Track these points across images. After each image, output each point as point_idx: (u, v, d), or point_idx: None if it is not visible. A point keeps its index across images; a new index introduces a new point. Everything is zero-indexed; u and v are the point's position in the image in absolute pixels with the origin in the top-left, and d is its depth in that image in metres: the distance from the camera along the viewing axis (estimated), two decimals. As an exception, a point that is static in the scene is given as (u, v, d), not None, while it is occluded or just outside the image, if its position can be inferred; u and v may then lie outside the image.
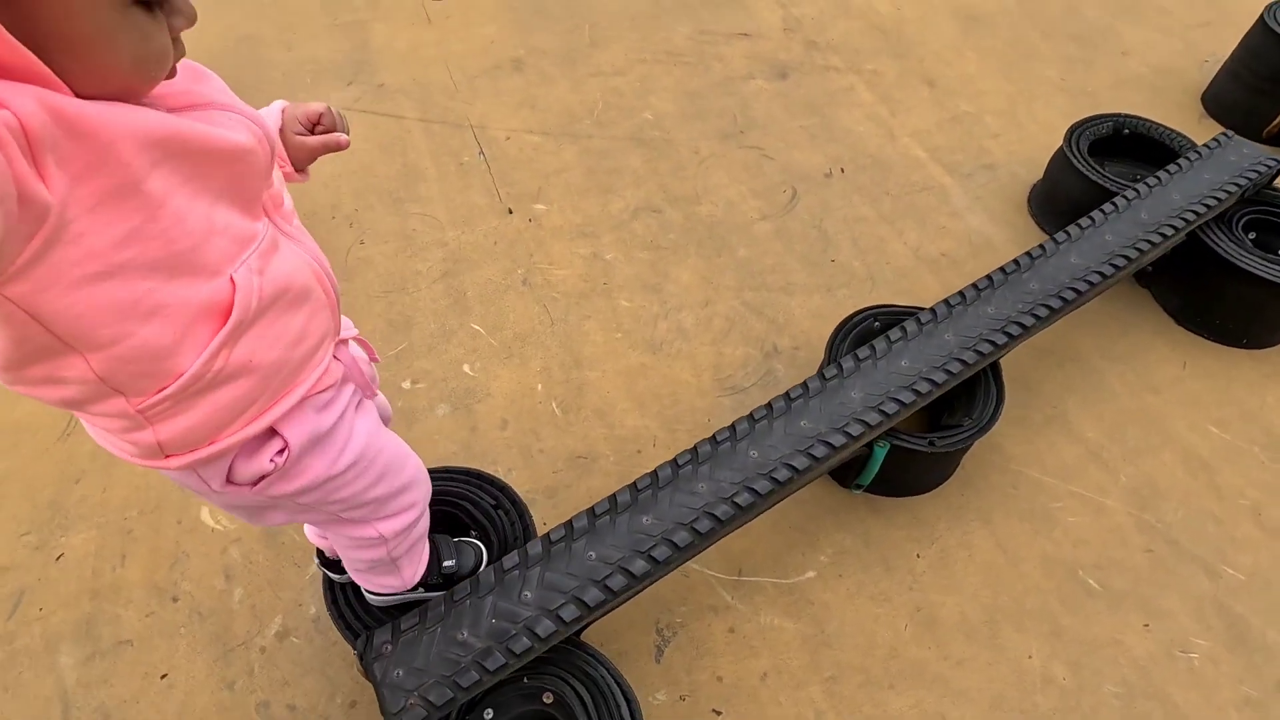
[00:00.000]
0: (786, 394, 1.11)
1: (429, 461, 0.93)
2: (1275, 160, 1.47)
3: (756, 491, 1.01)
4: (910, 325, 1.20)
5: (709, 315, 1.57)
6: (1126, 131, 1.68)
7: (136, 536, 1.26)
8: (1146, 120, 1.68)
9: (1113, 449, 1.36)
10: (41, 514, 1.29)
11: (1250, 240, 1.50)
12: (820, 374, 1.14)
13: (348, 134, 0.72)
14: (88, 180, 0.43)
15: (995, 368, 1.25)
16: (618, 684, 0.93)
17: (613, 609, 0.99)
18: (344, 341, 0.72)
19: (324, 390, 0.68)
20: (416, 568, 0.91)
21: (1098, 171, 1.56)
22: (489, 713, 0.92)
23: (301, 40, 2.27)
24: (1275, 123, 1.86)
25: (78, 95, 0.43)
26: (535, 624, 0.89)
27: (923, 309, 1.26)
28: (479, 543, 1.03)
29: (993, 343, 1.18)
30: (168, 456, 0.58)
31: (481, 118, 2.02)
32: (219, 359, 0.55)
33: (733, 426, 1.07)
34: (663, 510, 0.98)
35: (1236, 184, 1.42)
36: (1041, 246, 1.32)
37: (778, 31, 2.30)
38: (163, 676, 1.12)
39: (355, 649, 0.93)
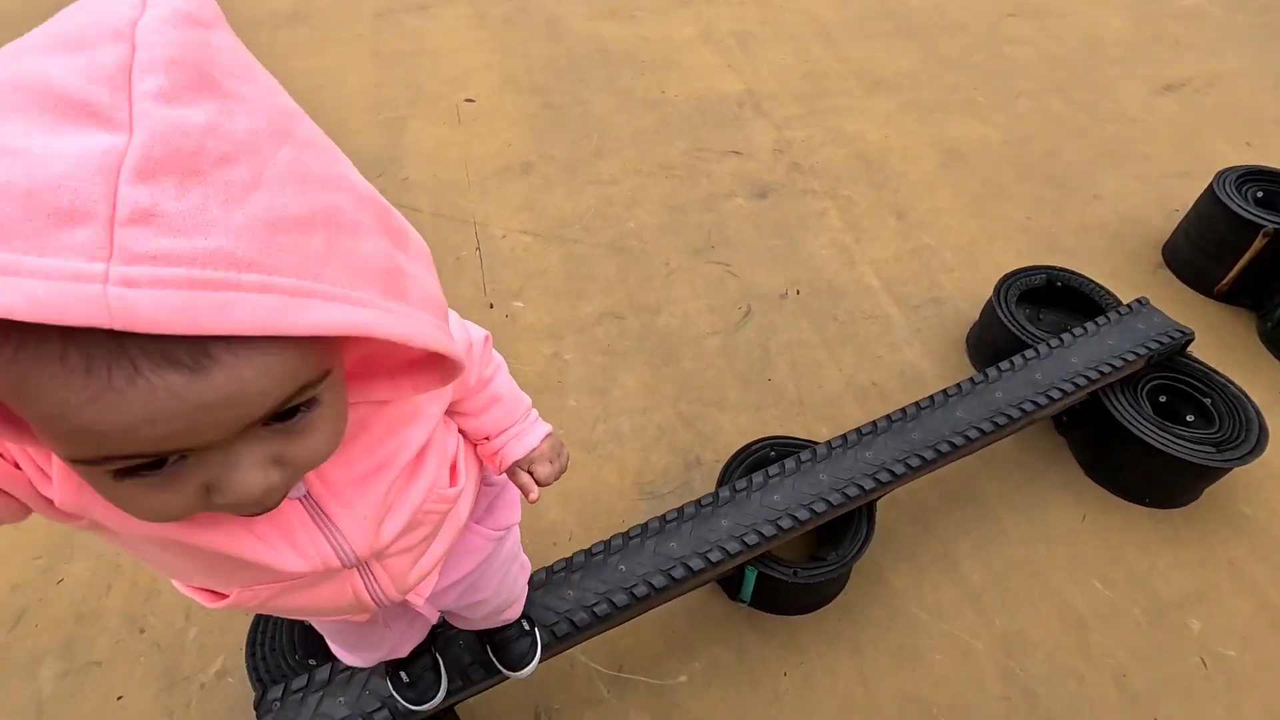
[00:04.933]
0: (662, 516, 1.26)
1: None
2: (1182, 332, 1.55)
3: (614, 604, 1.15)
4: (790, 462, 1.34)
5: (644, 423, 1.73)
6: (1059, 284, 1.79)
7: (123, 571, 1.49)
8: (1076, 274, 1.78)
9: (993, 594, 1.44)
10: (55, 542, 1.54)
11: (1158, 405, 1.58)
12: (697, 501, 1.28)
13: (536, 497, 0.72)
14: (121, 537, 0.46)
15: (870, 508, 1.37)
16: (467, 762, 1.08)
17: (477, 693, 1.14)
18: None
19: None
20: None
21: (1015, 323, 1.67)
22: (355, 773, 1.08)
23: (345, 134, 2.60)
24: (1225, 281, 1.93)
25: None
26: (394, 704, 1.05)
27: (816, 444, 1.40)
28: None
29: (861, 487, 1.30)
30: None
31: (485, 216, 2.27)
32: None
33: (607, 542, 1.23)
34: (537, 610, 1.14)
35: (1136, 352, 1.51)
36: (931, 398, 1.44)
37: (768, 152, 2.50)
38: (119, 698, 1.32)
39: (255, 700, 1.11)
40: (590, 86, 2.82)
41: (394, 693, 1.05)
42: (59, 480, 0.41)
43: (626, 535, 1.24)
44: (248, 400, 0.34)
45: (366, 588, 0.59)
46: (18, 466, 0.42)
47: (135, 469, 0.35)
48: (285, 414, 0.37)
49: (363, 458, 0.51)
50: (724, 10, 3.31)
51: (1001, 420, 1.40)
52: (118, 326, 0.28)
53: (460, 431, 0.69)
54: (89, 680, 1.34)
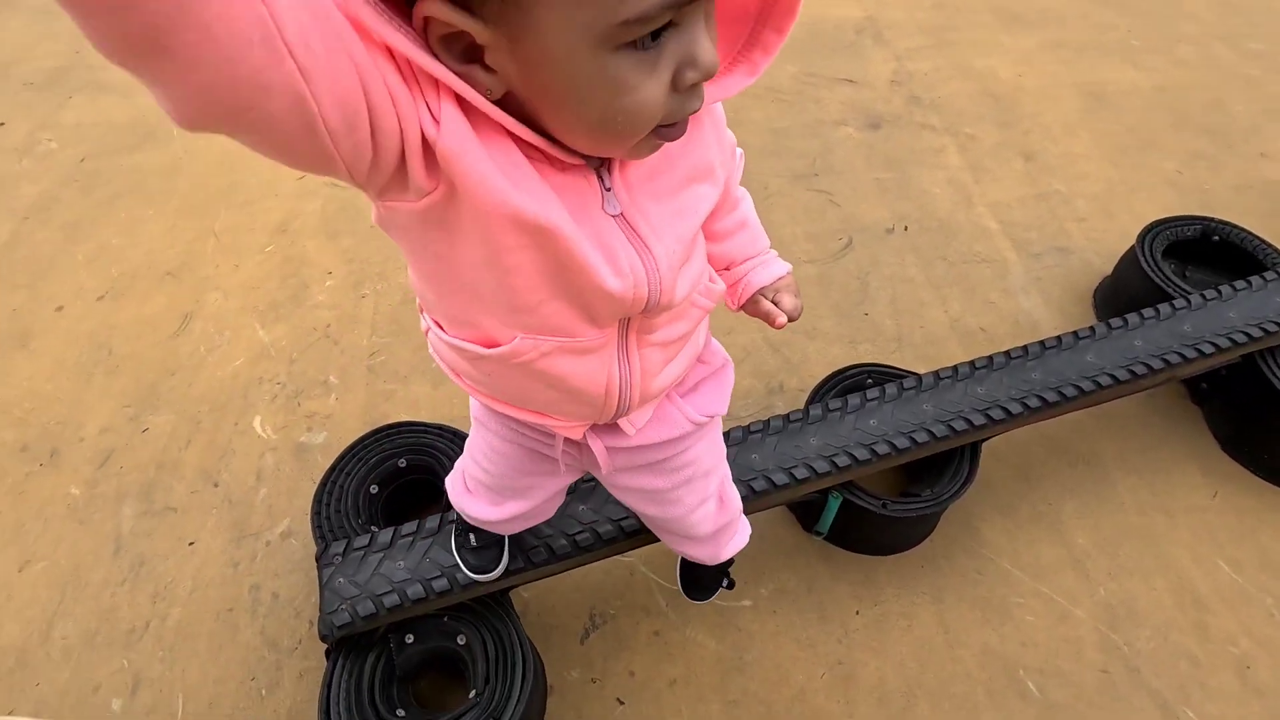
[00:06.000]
0: (746, 427, 1.18)
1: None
2: (1369, 297, 1.34)
3: (688, 507, 1.08)
4: (891, 388, 1.22)
5: (727, 343, 1.61)
6: (1216, 238, 1.57)
7: (203, 428, 1.52)
8: (1241, 230, 1.56)
9: (1099, 560, 1.30)
10: (143, 393, 1.59)
11: (1325, 378, 1.37)
12: (785, 416, 1.19)
13: (783, 323, 0.70)
14: (464, 223, 0.46)
15: (975, 449, 1.24)
16: (521, 645, 1.04)
17: (538, 578, 1.10)
18: (610, 428, 0.70)
19: (536, 426, 0.69)
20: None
21: (1161, 274, 1.48)
22: (410, 637, 1.06)
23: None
24: None
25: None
26: (455, 573, 1.01)
27: (920, 374, 1.27)
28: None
29: (969, 422, 1.18)
30: (427, 336, 0.64)
31: (579, 125, 2.19)
32: (466, 353, 0.57)
33: (685, 444, 1.15)
34: (597, 502, 1.08)
35: (1310, 314, 1.31)
36: (1058, 338, 1.29)
37: (884, 83, 2.31)
38: (190, 544, 1.35)
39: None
40: (698, 3, 2.67)
41: (458, 557, 1.01)
42: (450, 122, 0.42)
43: (706, 440, 1.16)
44: None
45: (620, 375, 0.60)
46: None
47: (637, 41, 0.40)
48: None
49: (670, 194, 0.54)
50: (849, -66, 3.07)
51: (1139, 370, 1.24)
52: None
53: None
54: (165, 523, 1.38)
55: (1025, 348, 1.27)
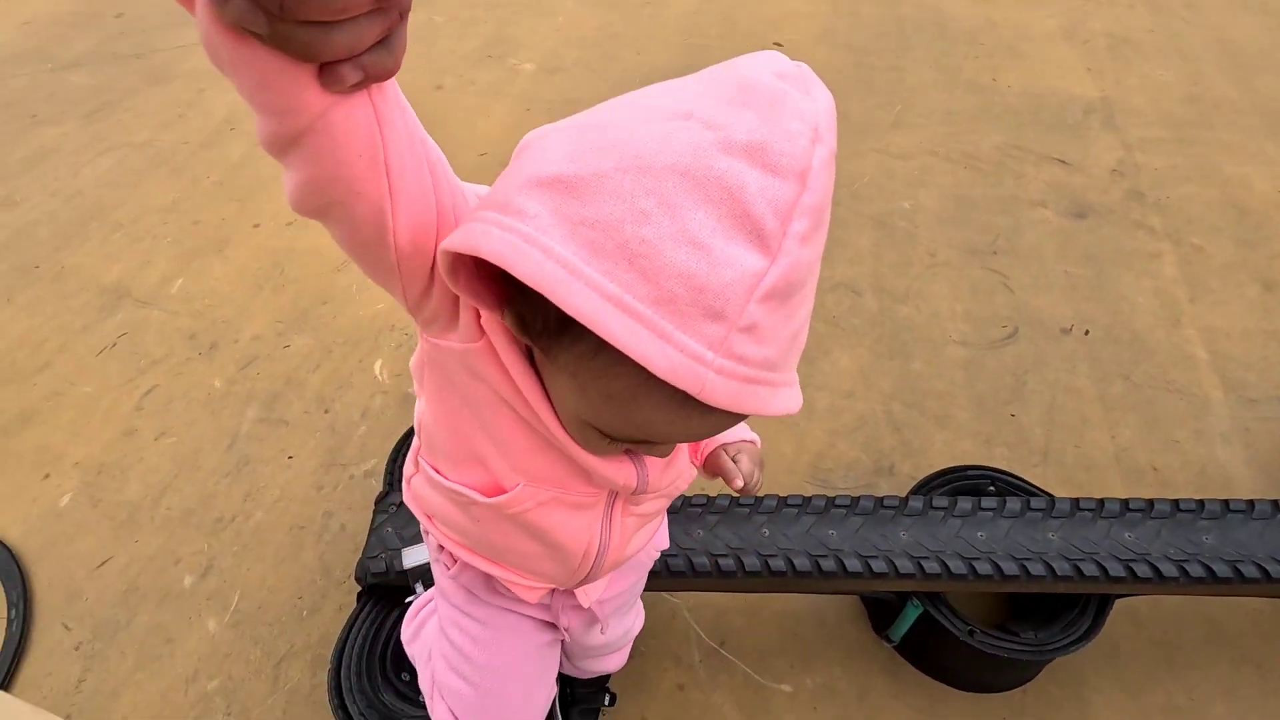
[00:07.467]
0: (831, 498, 1.06)
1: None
2: None
3: (743, 565, 0.99)
4: (1014, 502, 1.05)
5: (844, 407, 1.51)
6: None
7: (333, 357, 1.65)
8: None
9: (1245, 792, 1.03)
10: (295, 316, 1.75)
11: None
12: (879, 499, 1.06)
13: (740, 485, 0.69)
14: (494, 372, 0.49)
15: (1104, 603, 1.03)
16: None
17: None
18: (571, 597, 0.74)
19: (510, 591, 0.70)
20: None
21: None
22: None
23: (651, 49, 2.62)
24: None
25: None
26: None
27: (1055, 496, 1.09)
28: None
29: (1104, 570, 0.98)
30: (410, 481, 0.67)
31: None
32: (461, 499, 0.59)
33: (759, 498, 1.06)
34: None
35: None
36: (1249, 503, 1.04)
37: (1103, 170, 2.05)
38: (289, 457, 1.46)
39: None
40: (912, 56, 2.54)
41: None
42: (474, 327, 0.48)
43: (784, 499, 1.06)
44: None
45: (600, 537, 0.63)
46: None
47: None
48: None
49: None
50: (1103, 9, 2.79)
51: (1358, 570, 0.97)
52: (698, 397, 0.37)
53: None
54: (275, 433, 1.50)
55: (1202, 502, 1.04)
